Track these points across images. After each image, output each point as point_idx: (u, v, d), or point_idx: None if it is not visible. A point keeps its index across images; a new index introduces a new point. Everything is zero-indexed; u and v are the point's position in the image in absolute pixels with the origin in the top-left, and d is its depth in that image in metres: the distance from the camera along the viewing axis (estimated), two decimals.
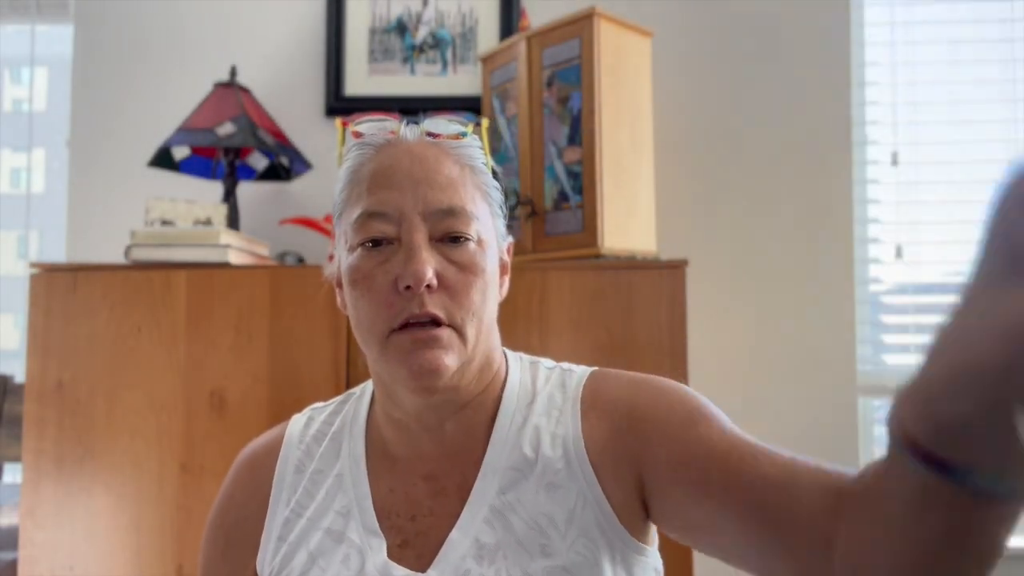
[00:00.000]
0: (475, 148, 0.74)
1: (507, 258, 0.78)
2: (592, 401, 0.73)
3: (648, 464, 0.67)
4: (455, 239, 0.68)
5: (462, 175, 0.71)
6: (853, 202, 1.76)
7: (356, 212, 0.69)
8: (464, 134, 0.73)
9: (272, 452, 0.79)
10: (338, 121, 0.76)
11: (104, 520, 1.33)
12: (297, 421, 0.82)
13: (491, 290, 0.71)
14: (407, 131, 0.73)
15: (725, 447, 0.64)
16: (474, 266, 0.68)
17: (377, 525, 0.71)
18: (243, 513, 0.77)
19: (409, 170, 0.69)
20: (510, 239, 0.80)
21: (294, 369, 1.34)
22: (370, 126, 0.73)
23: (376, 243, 0.68)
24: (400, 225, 0.67)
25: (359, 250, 0.69)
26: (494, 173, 0.77)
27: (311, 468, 0.77)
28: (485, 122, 0.76)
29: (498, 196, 0.76)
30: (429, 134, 0.72)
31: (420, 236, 0.67)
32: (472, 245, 0.69)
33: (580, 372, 0.78)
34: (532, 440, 0.71)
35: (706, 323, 1.73)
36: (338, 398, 0.84)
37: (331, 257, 0.78)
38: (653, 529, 0.72)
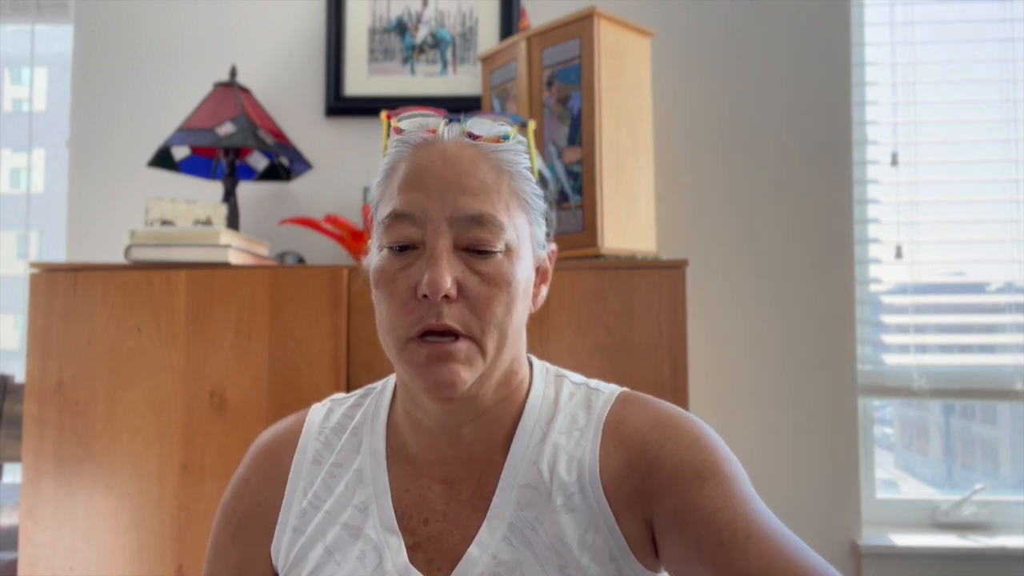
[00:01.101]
0: (517, 152, 0.71)
1: (548, 265, 0.76)
2: (613, 428, 0.71)
3: (656, 509, 0.66)
4: (481, 250, 0.66)
5: (498, 181, 0.68)
6: (853, 202, 1.76)
7: (386, 211, 0.68)
8: (507, 137, 0.70)
9: (290, 441, 0.79)
10: (383, 114, 0.73)
11: (104, 520, 1.33)
12: (317, 411, 0.81)
13: (518, 302, 0.69)
14: (446, 130, 0.70)
15: (725, 518, 0.61)
16: (499, 278, 0.66)
17: (396, 523, 0.70)
18: (258, 499, 0.77)
19: (440, 173, 0.67)
20: (552, 247, 0.77)
21: (294, 369, 1.34)
22: (410, 122, 0.71)
23: (402, 247, 0.67)
24: (425, 229, 0.66)
25: (385, 251, 0.68)
26: (542, 177, 0.74)
27: (330, 461, 0.76)
28: (532, 124, 0.72)
29: (539, 203, 0.72)
30: (470, 135, 0.70)
31: (443, 243, 0.65)
32: (499, 256, 0.66)
33: (608, 394, 0.75)
34: (549, 459, 0.70)
35: (706, 323, 1.74)
36: (359, 391, 0.83)
37: (368, 250, 0.77)
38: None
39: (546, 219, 0.75)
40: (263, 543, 0.75)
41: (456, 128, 0.70)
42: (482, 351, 0.66)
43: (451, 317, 0.65)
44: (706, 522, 0.62)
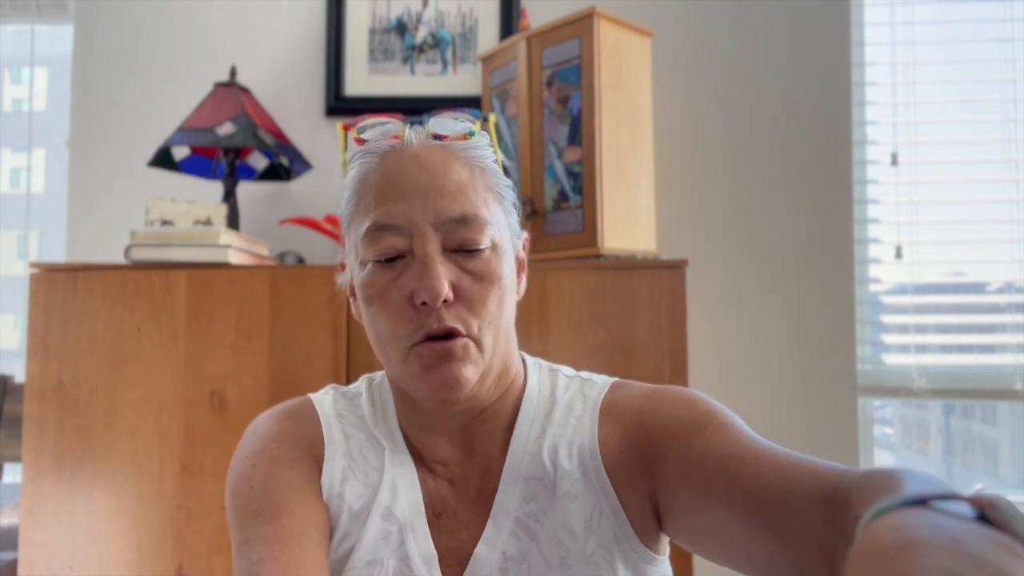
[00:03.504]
0: (484, 148, 0.71)
1: (524, 254, 0.76)
2: (609, 410, 0.72)
3: (659, 472, 0.67)
4: (469, 249, 0.66)
5: (472, 178, 0.68)
6: (853, 202, 1.76)
7: (365, 225, 0.67)
8: (472, 133, 0.70)
9: (309, 410, 0.75)
10: (339, 126, 0.72)
11: (104, 520, 1.33)
12: (322, 398, 0.78)
13: (508, 296, 0.69)
14: (411, 134, 0.69)
15: (728, 451, 0.62)
16: (490, 274, 0.66)
17: (423, 507, 0.70)
18: (304, 437, 0.72)
19: (416, 179, 0.66)
20: (525, 235, 0.77)
21: (294, 369, 1.34)
22: (373, 132, 0.70)
23: (389, 259, 0.66)
24: (411, 237, 0.65)
25: (371, 265, 0.67)
26: (504, 169, 0.75)
27: (360, 436, 0.73)
28: (492, 118, 0.73)
29: (511, 194, 0.73)
30: (435, 136, 0.69)
31: (433, 248, 0.65)
32: (487, 253, 0.67)
33: (602, 383, 0.76)
34: (550, 451, 0.71)
35: (706, 323, 1.73)
36: (356, 384, 0.81)
37: (343, 266, 0.75)
38: (665, 539, 0.72)
39: (516, 208, 0.75)
40: (317, 479, 0.70)
41: (421, 131, 0.69)
42: (480, 348, 0.67)
43: (451, 319, 0.65)
44: (710, 461, 0.63)
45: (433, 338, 0.65)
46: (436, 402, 0.67)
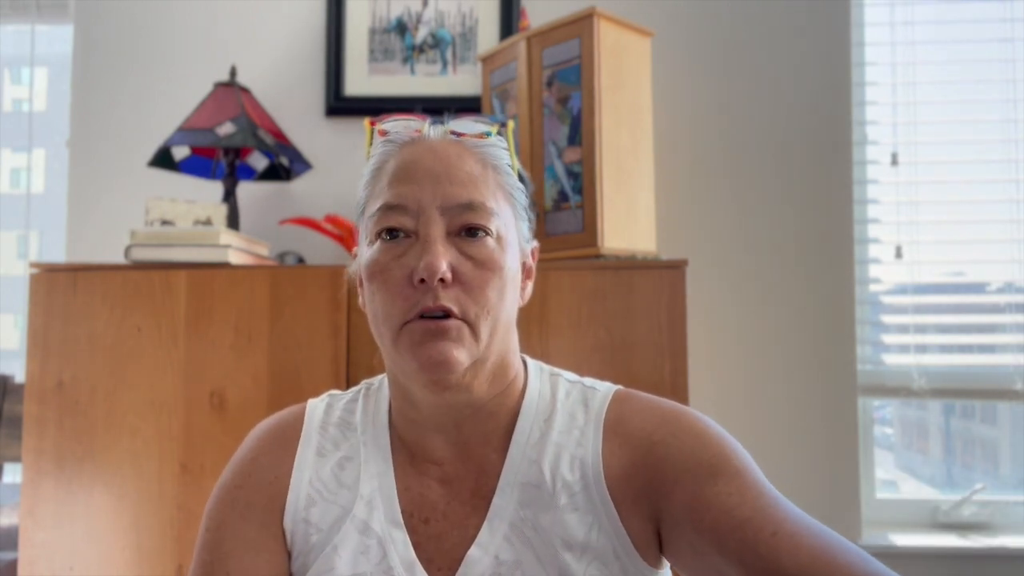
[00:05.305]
0: (499, 148, 0.73)
1: (532, 262, 0.78)
2: (614, 426, 0.72)
3: (665, 505, 0.67)
4: (472, 232, 0.68)
5: (484, 173, 0.70)
6: (853, 202, 1.76)
7: (376, 205, 0.69)
8: (488, 134, 0.73)
9: (295, 428, 0.78)
10: (366, 121, 0.76)
11: (104, 520, 1.33)
12: (316, 405, 0.80)
13: (509, 290, 0.70)
14: (431, 130, 0.73)
15: (744, 514, 0.62)
16: (491, 262, 0.68)
17: (400, 517, 0.71)
18: (268, 477, 0.75)
19: (430, 166, 0.69)
20: (535, 243, 0.79)
21: (294, 369, 1.34)
22: (395, 125, 0.73)
23: (393, 235, 0.68)
24: (418, 218, 0.67)
25: (377, 242, 0.69)
26: (520, 177, 0.76)
27: (336, 455, 0.76)
28: (511, 124, 0.76)
29: (523, 199, 0.75)
30: (453, 133, 0.72)
31: (436, 230, 0.67)
32: (490, 240, 0.68)
33: (604, 391, 0.76)
34: (551, 459, 0.71)
35: (706, 323, 1.73)
36: (354, 388, 0.83)
37: (355, 255, 0.78)
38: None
39: (527, 216, 0.76)
40: (275, 521, 0.74)
41: (440, 128, 0.73)
42: (475, 334, 0.67)
43: (447, 299, 0.65)
44: (725, 519, 0.63)
45: (426, 317, 0.65)
46: (427, 384, 0.67)
